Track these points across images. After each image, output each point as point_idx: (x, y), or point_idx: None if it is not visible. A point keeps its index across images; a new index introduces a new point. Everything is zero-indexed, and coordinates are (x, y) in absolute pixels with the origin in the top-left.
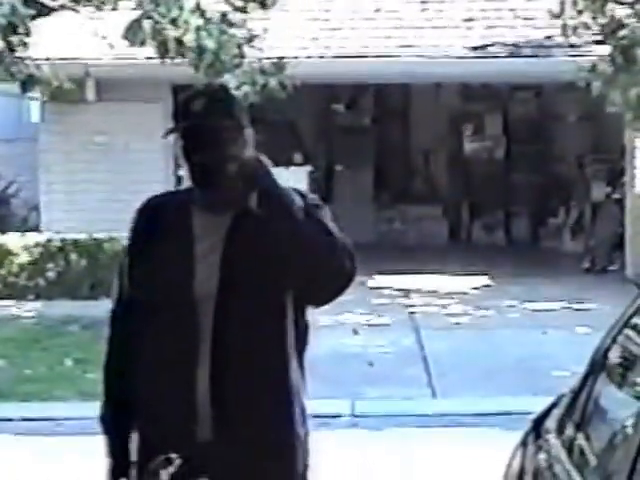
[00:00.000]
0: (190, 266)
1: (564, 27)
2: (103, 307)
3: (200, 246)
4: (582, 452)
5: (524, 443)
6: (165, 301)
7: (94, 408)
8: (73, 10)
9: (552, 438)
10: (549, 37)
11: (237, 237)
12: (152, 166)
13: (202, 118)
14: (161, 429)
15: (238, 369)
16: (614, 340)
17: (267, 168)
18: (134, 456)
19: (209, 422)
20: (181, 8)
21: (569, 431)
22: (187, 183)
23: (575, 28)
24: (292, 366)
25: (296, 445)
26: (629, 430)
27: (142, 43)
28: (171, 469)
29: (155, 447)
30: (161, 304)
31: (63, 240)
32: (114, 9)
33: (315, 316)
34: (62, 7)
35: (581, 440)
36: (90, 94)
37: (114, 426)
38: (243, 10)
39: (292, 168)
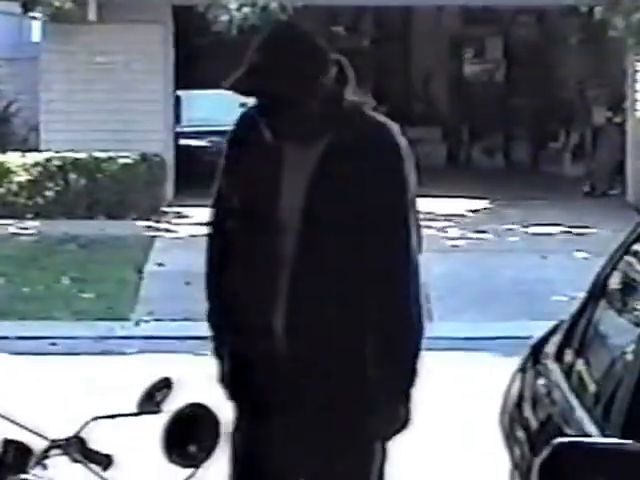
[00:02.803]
0: (276, 189)
1: None
2: (100, 226)
3: (288, 173)
4: (581, 378)
5: (523, 369)
6: (248, 221)
7: (88, 328)
8: None
9: (551, 364)
10: None
11: (326, 171)
12: (151, 86)
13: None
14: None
15: (313, 305)
16: (615, 266)
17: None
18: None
19: (285, 352)
20: None
21: (568, 357)
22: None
23: None
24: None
25: (365, 389)
26: (629, 356)
27: None
28: None
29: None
30: (245, 223)
31: (62, 159)
32: None
33: None
34: None
35: (580, 366)
36: (92, 15)
37: (218, 330)
38: None
39: None
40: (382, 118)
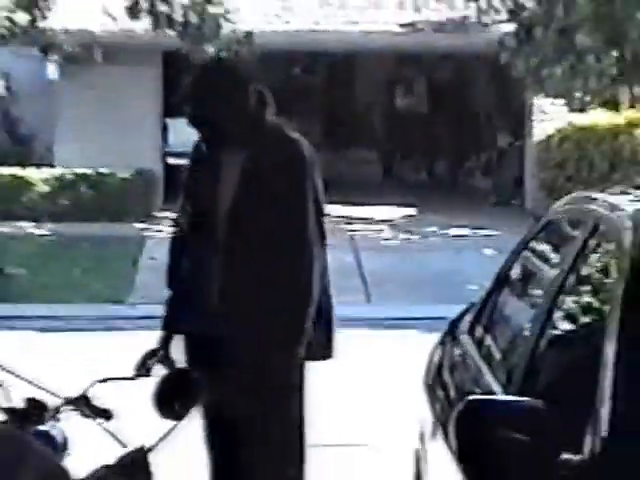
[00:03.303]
0: (214, 195)
1: (478, 9)
2: (105, 228)
3: (222, 181)
4: (489, 349)
5: (442, 342)
6: (195, 222)
7: (96, 309)
8: None
9: (465, 338)
10: (465, 17)
11: (246, 178)
12: (145, 115)
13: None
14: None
15: (238, 283)
16: (515, 260)
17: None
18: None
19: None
20: None
21: (478, 332)
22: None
23: (487, 10)
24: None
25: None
26: (526, 332)
27: (138, 17)
28: None
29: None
30: (193, 223)
31: (74, 174)
32: None
33: None
34: None
35: (488, 339)
36: (97, 57)
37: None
38: None
39: None
40: (295, 135)
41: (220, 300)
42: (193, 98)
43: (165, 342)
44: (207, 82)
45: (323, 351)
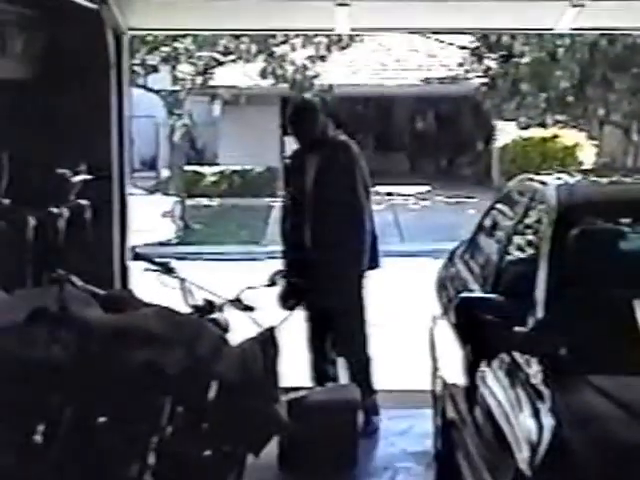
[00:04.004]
0: (303, 179)
1: (465, 70)
2: (250, 202)
3: (308, 170)
4: (471, 267)
5: (445, 264)
6: (296, 193)
7: (244, 248)
8: (232, 61)
9: (458, 260)
10: (457, 74)
11: (320, 168)
12: (271, 136)
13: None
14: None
15: (322, 228)
16: (487, 215)
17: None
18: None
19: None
20: (283, 60)
21: (466, 257)
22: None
23: (469, 69)
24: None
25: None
26: (493, 256)
27: (266, 77)
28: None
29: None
30: (295, 193)
31: (230, 170)
32: (248, 61)
33: None
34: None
35: (472, 262)
36: (242, 101)
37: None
38: (323, 58)
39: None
40: (345, 139)
41: (312, 242)
42: (292, 122)
43: (289, 266)
44: (300, 113)
45: (374, 264)
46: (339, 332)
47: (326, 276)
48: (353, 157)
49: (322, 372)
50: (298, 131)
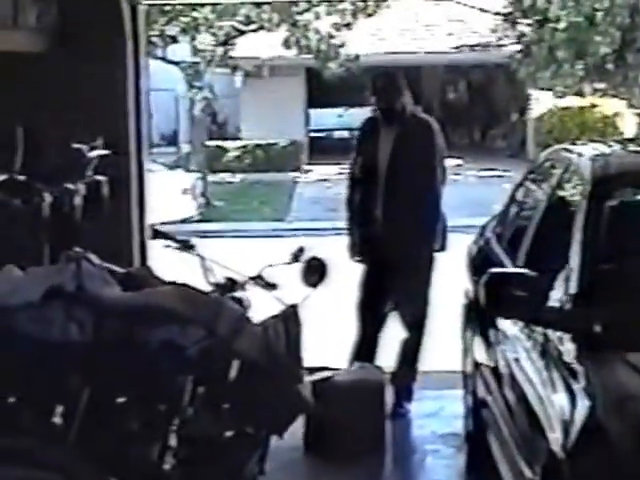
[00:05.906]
0: (377, 151)
1: (499, 38)
2: (273, 177)
3: (383, 143)
4: (503, 238)
5: (476, 239)
6: (366, 167)
7: (267, 225)
8: (253, 31)
9: (490, 234)
10: (489, 41)
11: (397, 143)
12: (295, 108)
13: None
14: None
15: (395, 202)
16: (519, 188)
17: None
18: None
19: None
20: (307, 29)
21: (498, 230)
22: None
23: (502, 36)
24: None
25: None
26: (525, 231)
27: (290, 47)
28: None
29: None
30: (364, 168)
31: (253, 144)
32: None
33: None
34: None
35: (503, 237)
36: (265, 73)
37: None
38: (348, 26)
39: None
40: (425, 116)
41: (383, 216)
42: (376, 92)
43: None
44: (385, 84)
45: (442, 247)
46: (407, 293)
47: (399, 252)
48: (434, 135)
49: (370, 341)
50: (381, 101)
